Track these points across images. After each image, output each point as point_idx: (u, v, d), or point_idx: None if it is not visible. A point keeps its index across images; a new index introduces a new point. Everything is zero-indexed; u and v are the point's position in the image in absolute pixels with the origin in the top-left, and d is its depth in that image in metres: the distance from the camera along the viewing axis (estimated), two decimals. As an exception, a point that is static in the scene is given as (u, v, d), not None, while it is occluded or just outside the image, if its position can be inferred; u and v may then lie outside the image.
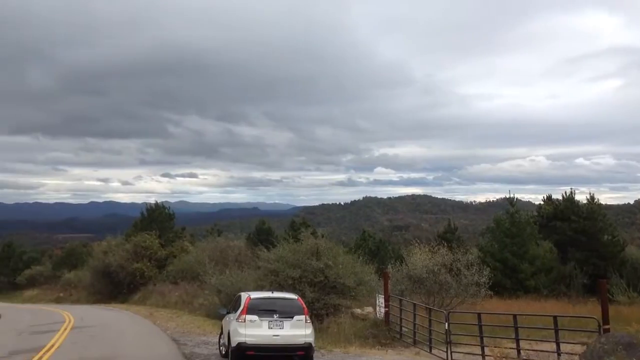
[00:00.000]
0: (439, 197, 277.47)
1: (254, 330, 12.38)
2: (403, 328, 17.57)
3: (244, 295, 13.49)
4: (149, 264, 41.12)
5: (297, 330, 12.56)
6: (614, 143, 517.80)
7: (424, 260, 21.46)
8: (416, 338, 16.78)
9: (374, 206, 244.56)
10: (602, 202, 45.59)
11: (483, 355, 14.26)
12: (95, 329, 21.54)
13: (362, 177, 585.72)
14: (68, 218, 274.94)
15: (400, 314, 17.85)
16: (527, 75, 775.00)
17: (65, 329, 21.02)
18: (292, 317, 12.65)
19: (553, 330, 13.47)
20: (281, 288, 19.01)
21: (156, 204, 51.03)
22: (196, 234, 59.73)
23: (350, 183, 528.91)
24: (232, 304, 14.61)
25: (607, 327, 12.08)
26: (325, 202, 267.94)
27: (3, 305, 44.10)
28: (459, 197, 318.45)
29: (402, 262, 22.99)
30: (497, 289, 27.92)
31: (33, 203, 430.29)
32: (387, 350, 16.29)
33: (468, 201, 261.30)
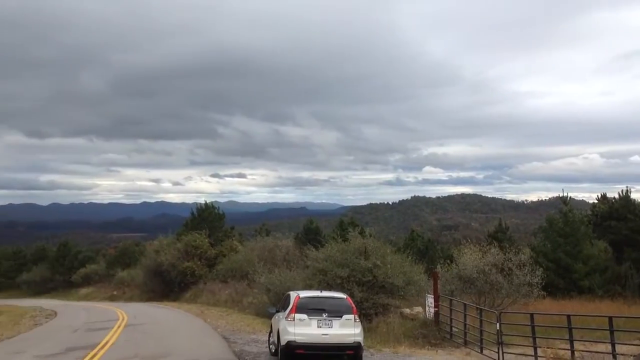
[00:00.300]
0: (489, 196, 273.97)
1: (303, 329, 12.40)
2: (453, 328, 17.36)
3: (293, 294, 13.55)
4: (199, 263, 41.74)
5: (346, 330, 12.54)
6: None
7: (474, 260, 21.17)
8: (467, 338, 16.56)
9: (423, 205, 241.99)
10: (660, 200, 43.79)
11: (536, 356, 14.03)
12: (148, 326, 21.93)
13: (410, 176, 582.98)
14: (121, 218, 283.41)
15: (450, 314, 17.66)
16: (579, 72, 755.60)
17: (119, 327, 21.50)
18: (341, 316, 12.63)
19: (608, 332, 13.15)
20: (329, 287, 19.08)
21: (206, 204, 51.54)
22: (245, 234, 60.25)
23: (398, 182, 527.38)
24: (281, 303, 14.69)
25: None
26: (373, 202, 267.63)
27: (59, 303, 45.71)
28: (509, 196, 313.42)
29: (452, 262, 22.72)
30: (550, 290, 27.21)
31: (88, 203, 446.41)
32: (437, 351, 16.12)
33: (519, 200, 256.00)
